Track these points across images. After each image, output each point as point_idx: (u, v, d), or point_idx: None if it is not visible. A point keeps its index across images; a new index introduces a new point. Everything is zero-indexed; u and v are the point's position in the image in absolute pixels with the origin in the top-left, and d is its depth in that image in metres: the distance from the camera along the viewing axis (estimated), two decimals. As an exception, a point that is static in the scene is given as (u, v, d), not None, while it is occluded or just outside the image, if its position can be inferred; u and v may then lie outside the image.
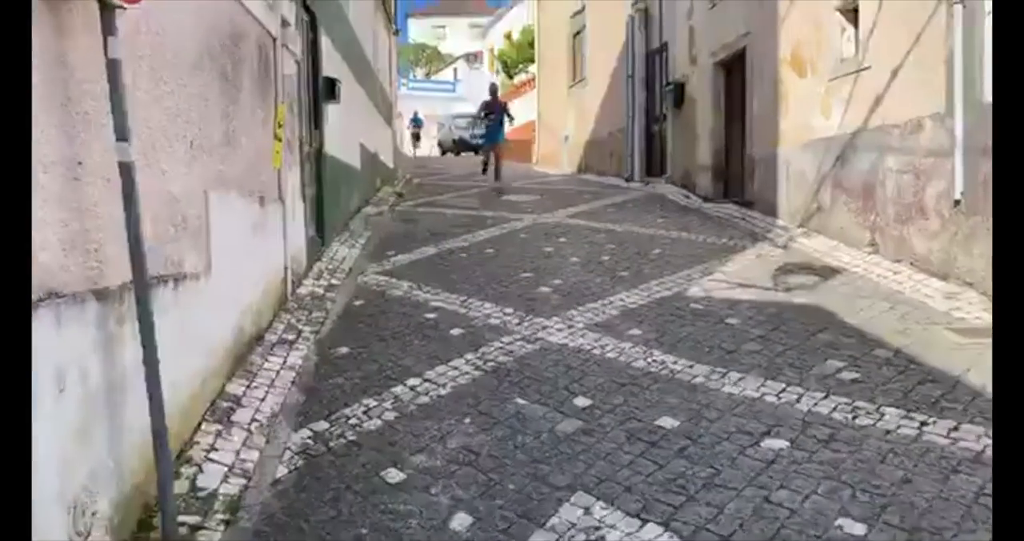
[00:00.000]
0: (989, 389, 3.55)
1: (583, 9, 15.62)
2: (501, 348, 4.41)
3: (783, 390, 3.69)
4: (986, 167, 4.91)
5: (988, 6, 4.86)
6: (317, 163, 6.87)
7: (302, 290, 5.52)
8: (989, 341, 4.20)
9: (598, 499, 2.77)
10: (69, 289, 2.24)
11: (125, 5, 2.37)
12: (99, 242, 2.46)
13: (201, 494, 2.86)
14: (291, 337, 4.57)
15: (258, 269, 4.65)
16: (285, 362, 4.18)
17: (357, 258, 6.77)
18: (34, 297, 2.01)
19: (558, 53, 17.44)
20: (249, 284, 4.41)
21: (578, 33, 16.17)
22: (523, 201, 10.33)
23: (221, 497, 2.87)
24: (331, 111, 7.38)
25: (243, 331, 4.20)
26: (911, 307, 5.02)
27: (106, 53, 2.36)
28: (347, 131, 8.57)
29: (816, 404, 3.52)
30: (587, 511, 2.71)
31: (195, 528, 2.68)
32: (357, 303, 5.46)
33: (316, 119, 6.91)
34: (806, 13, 7.38)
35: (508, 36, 28.73)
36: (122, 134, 2.40)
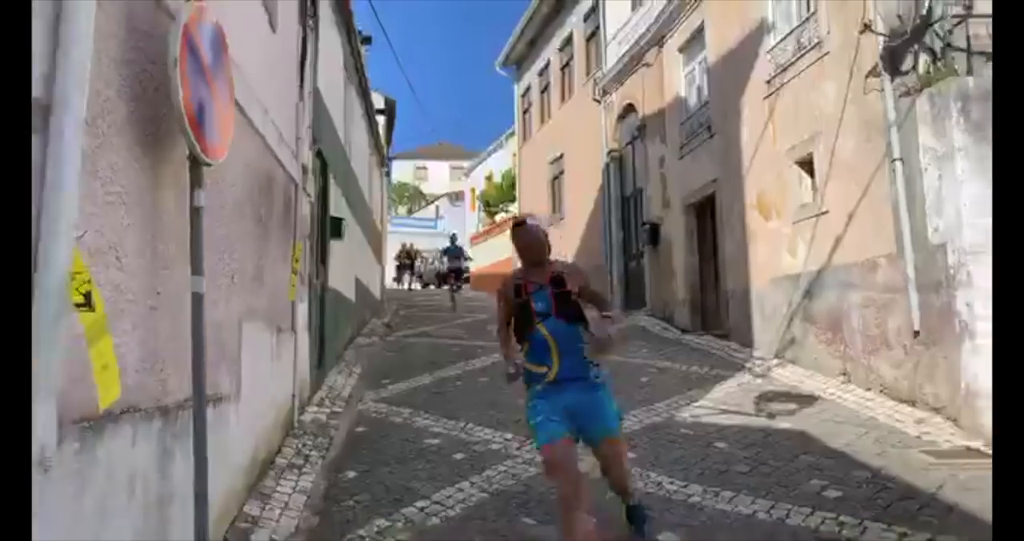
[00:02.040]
0: (962, 503, 3.82)
1: (561, 156, 16.97)
2: (504, 471, 4.60)
3: (772, 507, 3.92)
4: (939, 302, 5.47)
5: (924, 163, 5.66)
6: (322, 296, 7.27)
7: (306, 417, 5.69)
8: (959, 461, 4.54)
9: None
10: (143, 404, 2.52)
11: (212, 163, 2.85)
12: (164, 363, 2.77)
13: (226, 612, 2.95)
14: (300, 462, 4.72)
15: (272, 396, 4.88)
16: (296, 485, 4.31)
17: (355, 386, 6.99)
18: (118, 410, 2.29)
19: (538, 194, 18.65)
20: (265, 409, 4.63)
21: (556, 177, 17.44)
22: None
23: (245, 615, 2.96)
24: (335, 248, 7.91)
25: (258, 454, 4.36)
26: (885, 431, 5.34)
27: (191, 202, 2.80)
28: (346, 266, 9.09)
29: (805, 520, 3.74)
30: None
31: None
32: (359, 429, 5.64)
33: (323, 255, 7.40)
34: (768, 164, 8.29)
35: (489, 177, 30.52)
36: (198, 268, 2.79)
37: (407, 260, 24.68)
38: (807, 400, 6.37)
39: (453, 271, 16.13)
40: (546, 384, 3.12)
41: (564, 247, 16.52)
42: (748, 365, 7.90)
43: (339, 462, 4.86)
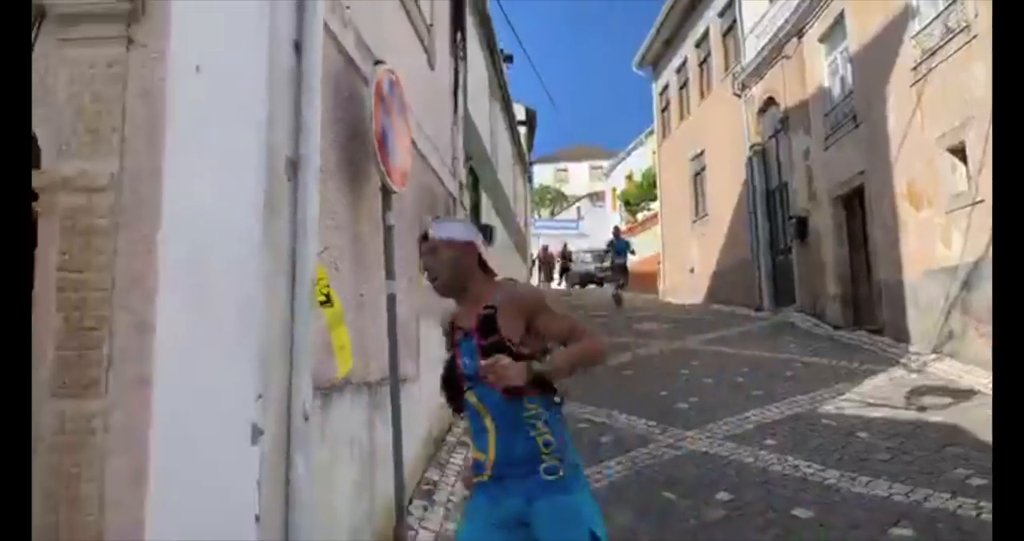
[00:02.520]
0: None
1: (702, 152, 16.90)
2: (647, 453, 5.03)
3: (911, 491, 4.06)
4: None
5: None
6: (477, 296, 8.05)
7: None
8: None
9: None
10: (355, 380, 3.26)
11: (398, 191, 3.58)
12: (367, 349, 3.51)
13: (418, 552, 3.65)
14: (467, 439, 5.43)
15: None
16: (467, 458, 5.01)
17: (509, 378, 7.67)
18: (342, 382, 3.02)
19: (680, 191, 18.65)
20: (437, 392, 5.38)
21: (698, 173, 17.37)
22: (654, 329, 11.01)
23: (433, 555, 3.64)
24: (487, 253, 8.67)
25: (432, 431, 5.12)
26: (1049, 425, 5.17)
27: (384, 222, 3.53)
28: (496, 268, 9.86)
29: (943, 504, 3.87)
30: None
31: (418, 576, 3.44)
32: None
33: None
34: (917, 152, 8.03)
35: (630, 176, 30.64)
36: (391, 274, 3.51)
37: (555, 261, 24.59)
38: (964, 394, 6.21)
39: (618, 268, 14.59)
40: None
41: (708, 245, 16.46)
42: (903, 360, 7.71)
43: (499, 442, 5.51)
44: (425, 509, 4.10)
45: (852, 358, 8.03)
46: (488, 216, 9.09)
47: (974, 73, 6.84)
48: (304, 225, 2.58)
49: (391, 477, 3.49)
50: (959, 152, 7.28)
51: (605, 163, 43.02)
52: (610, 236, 15.59)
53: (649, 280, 20.55)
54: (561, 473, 2.01)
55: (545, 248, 25.05)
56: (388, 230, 3.51)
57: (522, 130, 16.32)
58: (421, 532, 3.83)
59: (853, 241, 10.09)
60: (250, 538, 2.10)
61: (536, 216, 47.92)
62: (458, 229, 2.31)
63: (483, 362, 1.98)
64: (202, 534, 2.06)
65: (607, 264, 24.00)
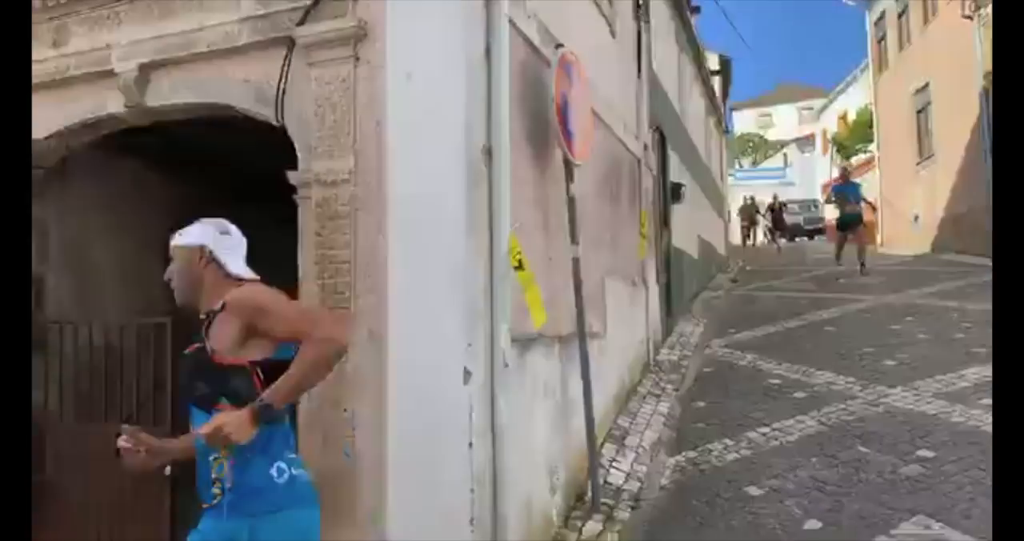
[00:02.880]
0: None
1: (927, 85, 15.09)
2: (843, 409, 4.97)
3: None
4: None
5: None
6: (667, 255, 8.19)
7: (660, 357, 6.70)
8: None
9: (938, 521, 3.29)
10: (547, 334, 3.70)
11: (580, 163, 3.91)
12: (557, 306, 3.92)
13: (611, 488, 4.06)
14: (657, 392, 5.73)
15: (631, 337, 5.97)
16: (655, 409, 5.32)
17: (702, 333, 7.79)
18: (534, 336, 3.46)
19: (901, 131, 16.84)
20: (626, 347, 5.73)
21: (922, 109, 15.55)
22: (866, 282, 10.33)
23: (625, 491, 4.04)
24: (676, 210, 8.73)
25: (623, 382, 5.48)
26: None
27: (567, 192, 3.89)
28: (687, 225, 9.86)
29: None
30: (928, 527, 3.25)
31: (611, 507, 3.86)
32: (707, 369, 6.44)
33: (665, 218, 8.29)
34: None
35: (843, 117, 27.98)
36: (575, 239, 3.88)
37: (756, 215, 21.97)
38: None
39: (851, 219, 10.97)
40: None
41: (936, 189, 14.81)
42: None
43: (691, 394, 5.74)
44: (616, 451, 4.50)
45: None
46: (678, 174, 9.08)
47: None
48: (499, 203, 3.02)
49: (583, 421, 3.91)
50: None
51: (815, 103, 39.53)
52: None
53: (866, 230, 18.91)
54: (215, 500, 1.86)
55: (751, 199, 22.88)
56: (571, 200, 3.86)
57: (717, 79, 15.71)
58: (612, 472, 4.24)
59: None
60: (465, 461, 2.62)
61: (737, 166, 45.59)
62: (192, 233, 2.11)
63: (202, 432, 1.81)
64: (428, 455, 2.63)
65: (816, 214, 22.27)
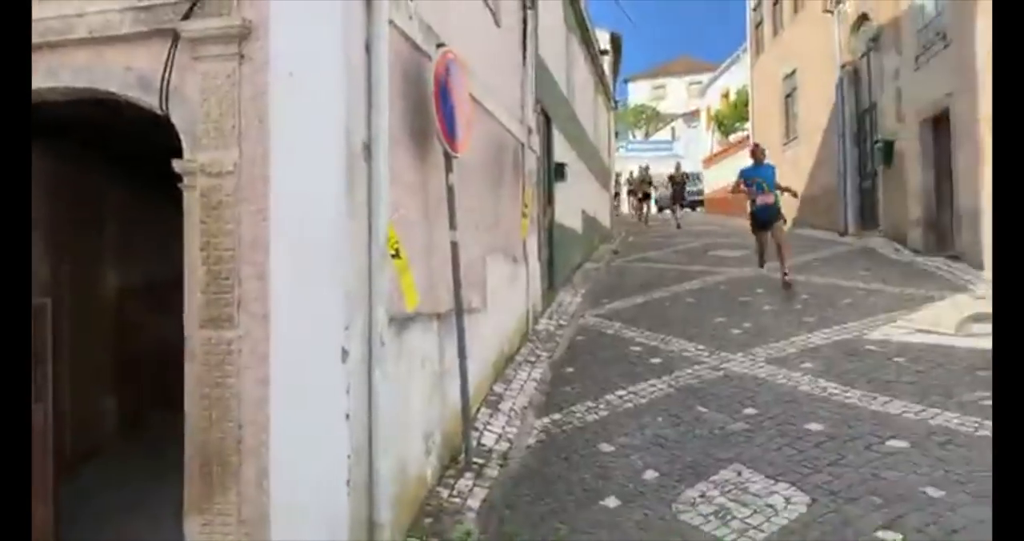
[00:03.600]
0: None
1: (794, 71, 16.31)
2: (691, 374, 5.66)
3: (922, 410, 4.51)
4: None
5: None
6: (549, 231, 8.70)
7: (539, 327, 7.23)
8: None
9: (749, 468, 3.95)
10: (426, 312, 4.05)
11: (457, 155, 4.23)
12: (437, 286, 4.28)
13: (483, 448, 4.51)
14: (532, 359, 6.25)
15: (511, 310, 6.43)
16: (530, 375, 5.83)
17: (579, 304, 8.39)
18: (412, 314, 3.80)
19: (771, 112, 18.15)
20: (506, 319, 6.19)
21: (790, 94, 16.83)
22: (730, 256, 11.31)
23: (495, 451, 4.50)
24: (560, 188, 9.23)
25: (502, 352, 5.94)
26: (1093, 353, 5.35)
27: (447, 182, 4.21)
28: (572, 202, 10.41)
29: (947, 421, 4.32)
30: (739, 474, 3.90)
31: (482, 466, 4.31)
32: (579, 338, 7.03)
33: (549, 196, 8.78)
34: (1002, 76, 7.76)
35: (726, 95, 29.56)
36: (453, 224, 4.23)
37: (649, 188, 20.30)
38: (1020, 322, 6.36)
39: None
40: None
41: (797, 168, 16.14)
42: (972, 287, 7.80)
43: (563, 361, 6.30)
44: (491, 415, 4.96)
45: (921, 285, 8.16)
46: (563, 153, 9.56)
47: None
48: (378, 194, 3.31)
49: (459, 389, 4.31)
50: (1042, 76, 7.03)
51: (705, 78, 41.32)
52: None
53: (737, 205, 20.35)
54: None
55: (645, 168, 20.64)
56: (450, 189, 4.19)
57: (608, 57, 16.29)
58: (486, 434, 4.70)
59: (938, 166, 9.88)
60: (342, 431, 2.95)
61: (631, 137, 47.08)
62: None
63: None
64: (307, 425, 2.94)
65: (698, 187, 22.84)
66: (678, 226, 17.26)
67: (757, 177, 8.71)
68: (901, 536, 3.13)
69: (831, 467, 3.85)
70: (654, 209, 22.96)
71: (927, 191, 10.16)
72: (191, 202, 3.29)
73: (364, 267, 3.22)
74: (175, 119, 3.34)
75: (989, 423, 4.23)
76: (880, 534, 3.17)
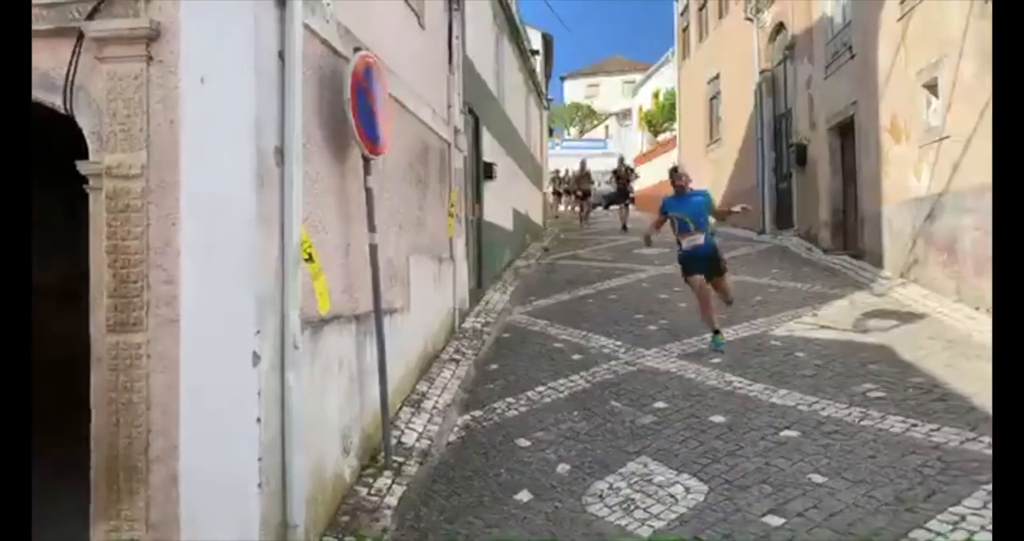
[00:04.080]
0: (986, 407, 4.48)
1: (718, 75, 16.91)
2: (608, 369, 5.88)
3: (815, 402, 4.84)
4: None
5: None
6: (478, 230, 8.81)
7: (466, 325, 7.33)
8: (1020, 373, 5.03)
9: (655, 460, 4.17)
10: (344, 313, 4.10)
11: (375, 158, 4.29)
12: (355, 289, 4.33)
13: (404, 447, 4.59)
14: (458, 357, 6.35)
15: (436, 309, 6.51)
16: (454, 373, 5.93)
17: (506, 302, 8.53)
18: (328, 317, 3.85)
19: (697, 115, 18.75)
20: (431, 318, 6.27)
21: (714, 97, 17.43)
22: (653, 254, 11.63)
23: (416, 449, 4.59)
24: (489, 187, 9.35)
25: (427, 350, 6.03)
26: (970, 347, 5.83)
27: (365, 184, 4.26)
28: (502, 200, 10.54)
29: (836, 412, 4.65)
30: (645, 466, 4.12)
31: (401, 464, 4.39)
32: (505, 335, 7.17)
33: (478, 195, 8.89)
34: (899, 86, 8.31)
35: (656, 95, 30.31)
36: (372, 227, 4.28)
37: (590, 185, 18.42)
38: (911, 318, 6.86)
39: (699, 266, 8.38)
40: None
41: (720, 169, 16.76)
42: (872, 285, 8.32)
43: (487, 358, 6.42)
44: (413, 414, 5.04)
45: (827, 282, 8.66)
46: (492, 152, 9.69)
47: (949, 13, 7.06)
48: (291, 199, 3.34)
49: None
50: (933, 88, 7.58)
51: (638, 77, 42.18)
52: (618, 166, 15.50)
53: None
54: None
55: (582, 162, 18.45)
56: (368, 192, 4.24)
57: (539, 57, 16.49)
58: (407, 432, 4.78)
59: (845, 170, 10.47)
60: (253, 434, 2.99)
61: (567, 134, 47.64)
62: None
63: None
64: (219, 428, 2.97)
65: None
66: (624, 228, 15.54)
67: (680, 212, 6.28)
68: (784, 520, 3.39)
69: (729, 457, 4.11)
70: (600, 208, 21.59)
71: (835, 193, 10.75)
72: (97, 205, 3.25)
73: (277, 271, 3.25)
74: (80, 120, 3.29)
75: (873, 412, 4.58)
76: (766, 519, 3.42)
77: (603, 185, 22.50)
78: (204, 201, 3.14)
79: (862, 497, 3.54)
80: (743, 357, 5.96)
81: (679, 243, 6.51)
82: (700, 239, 6.32)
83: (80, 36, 3.24)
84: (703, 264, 6.30)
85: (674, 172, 6.72)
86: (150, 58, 3.20)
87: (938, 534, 3.18)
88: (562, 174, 22.79)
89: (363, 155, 4.18)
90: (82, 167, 3.27)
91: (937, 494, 3.53)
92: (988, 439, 4.06)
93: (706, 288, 6.26)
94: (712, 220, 6.66)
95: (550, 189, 21.58)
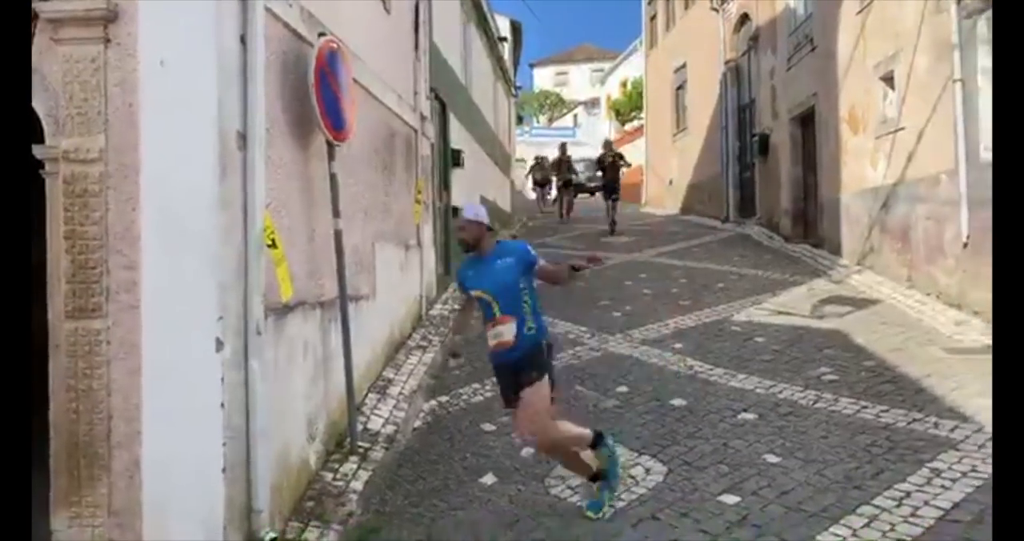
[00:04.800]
0: (934, 389, 4.68)
1: (684, 65, 17.06)
2: (573, 354, 5.97)
3: (772, 386, 4.99)
4: (985, 215, 5.93)
5: (980, 83, 5.96)
6: (445, 216, 8.80)
7: (433, 312, 7.36)
8: (966, 357, 5.26)
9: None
10: (309, 300, 4.10)
11: (339, 144, 4.27)
12: (320, 275, 4.32)
13: (370, 432, 4.62)
14: (424, 344, 6.38)
15: (403, 295, 6.52)
16: (420, 359, 5.96)
17: (474, 290, 8.56)
18: (293, 303, 3.85)
19: (664, 104, 18.92)
20: (398, 305, 6.28)
21: (680, 86, 17.60)
22: (620, 241, 11.81)
23: (382, 435, 4.62)
24: (457, 174, 9.34)
25: (393, 337, 6.04)
26: (920, 331, 6.05)
27: (329, 170, 4.25)
28: (470, 187, 10.55)
29: (792, 394, 4.80)
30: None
31: (367, 449, 4.42)
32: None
33: (445, 182, 8.88)
34: (858, 78, 8.51)
35: (624, 84, 30.46)
36: (336, 213, 4.27)
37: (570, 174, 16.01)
38: (865, 304, 7.08)
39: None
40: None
41: (686, 158, 16.96)
42: (830, 272, 8.55)
43: (453, 344, 6.45)
44: (379, 400, 5.07)
45: (787, 270, 8.87)
46: (459, 139, 9.67)
47: (905, 7, 7.24)
48: (253, 185, 3.32)
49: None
50: (890, 81, 7.78)
51: (606, 66, 42.30)
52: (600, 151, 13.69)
53: (633, 191, 21.13)
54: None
55: (562, 147, 16.32)
56: (332, 177, 4.23)
57: (507, 44, 16.44)
58: (373, 418, 4.80)
59: (805, 160, 10.69)
60: (216, 420, 2.99)
61: (536, 122, 47.62)
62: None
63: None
64: (181, 414, 2.96)
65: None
66: (612, 230, 12.71)
67: (480, 289, 3.79)
68: (739, 498, 3.51)
69: (688, 439, 4.23)
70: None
71: (795, 182, 10.98)
72: (54, 190, 3.19)
73: (239, 257, 3.24)
74: (36, 103, 3.21)
75: (827, 395, 4.74)
76: (722, 498, 3.54)
77: (587, 173, 19.15)
78: (165, 186, 3.11)
79: (813, 476, 3.68)
80: (704, 342, 6.10)
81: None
82: (509, 337, 3.68)
83: (35, 16, 3.17)
84: (516, 376, 3.65)
85: (466, 224, 3.76)
86: (107, 40, 3.14)
87: (883, 510, 3.32)
88: (533, 162, 19.02)
89: (327, 140, 4.16)
90: (38, 151, 3.20)
91: (884, 472, 3.68)
92: (934, 419, 4.24)
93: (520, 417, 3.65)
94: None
95: (529, 181, 18.80)
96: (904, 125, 7.41)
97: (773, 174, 11.79)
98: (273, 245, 3.42)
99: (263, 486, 3.25)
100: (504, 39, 15.39)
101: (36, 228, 3.27)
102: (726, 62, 13.98)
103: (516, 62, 19.90)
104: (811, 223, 10.60)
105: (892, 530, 3.15)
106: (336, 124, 4.18)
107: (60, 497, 3.10)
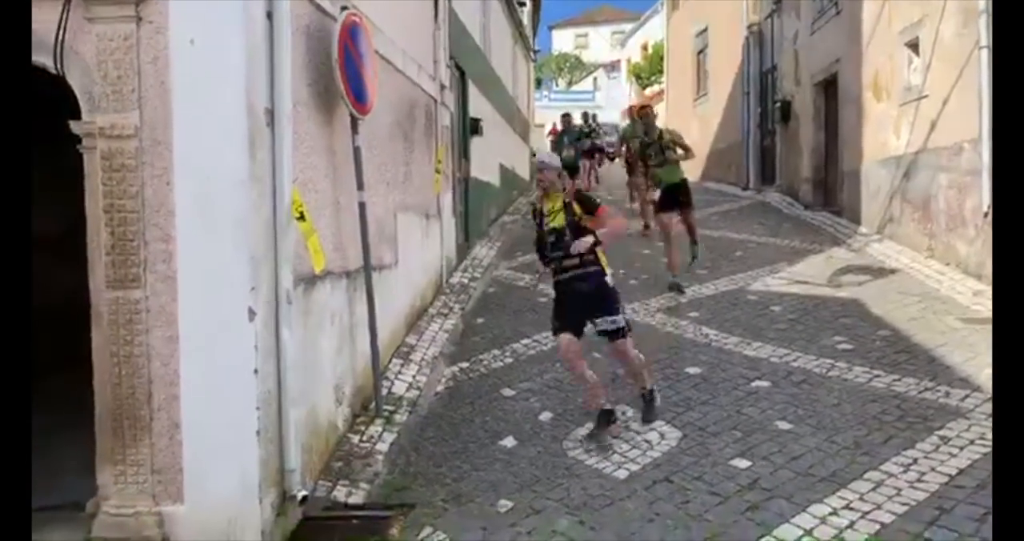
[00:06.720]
0: (947, 358, 4.74)
1: (706, 29, 16.75)
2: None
3: (787, 354, 5.08)
4: (1007, 185, 5.89)
5: (1007, 50, 5.86)
6: (465, 186, 8.87)
7: (453, 280, 7.49)
8: (982, 327, 5.29)
9: (633, 407, 4.40)
10: (335, 270, 4.23)
11: (363, 118, 4.35)
12: (346, 245, 4.44)
13: (394, 396, 4.80)
14: (445, 311, 6.53)
15: (425, 264, 6.65)
16: (442, 326, 6.12)
17: (493, 257, 8.69)
18: (320, 273, 3.98)
19: (685, 68, 18.63)
20: (419, 274, 6.41)
21: (702, 51, 17.31)
22: (635, 208, 11.77)
23: (405, 399, 4.79)
24: (476, 143, 9.37)
25: (415, 305, 6.19)
26: (938, 301, 6.08)
27: (353, 143, 4.34)
28: (488, 156, 10.57)
29: (806, 363, 4.90)
30: (624, 413, 4.35)
31: (392, 413, 4.60)
32: (491, 290, 7.35)
33: (465, 151, 8.92)
34: (882, 44, 8.36)
35: (645, 47, 29.93)
36: (360, 185, 4.38)
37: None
38: (883, 273, 7.10)
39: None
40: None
41: (706, 124, 16.77)
42: (849, 241, 8.54)
43: (474, 312, 6.61)
44: (402, 366, 5.23)
45: (805, 238, 8.86)
46: (479, 107, 9.67)
47: (933, -30, 7.07)
48: (281, 159, 3.43)
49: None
50: (915, 47, 7.64)
51: (627, 27, 41.47)
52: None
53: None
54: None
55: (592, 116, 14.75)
56: (356, 151, 4.33)
57: (527, 8, 16.21)
58: (397, 383, 4.98)
59: (827, 127, 10.57)
60: (250, 385, 3.15)
61: (555, 86, 47.02)
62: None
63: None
64: (217, 380, 3.13)
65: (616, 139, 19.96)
66: (646, 231, 9.46)
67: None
68: (750, 463, 3.64)
69: (702, 406, 4.35)
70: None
71: (817, 150, 10.87)
72: (92, 164, 3.31)
73: (269, 230, 3.36)
74: (71, 80, 3.32)
75: (841, 364, 4.83)
76: (734, 462, 3.67)
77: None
78: (197, 161, 3.23)
79: (824, 442, 3.79)
80: (720, 311, 6.18)
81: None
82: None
83: (67, -4, 3.25)
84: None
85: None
86: (139, 19, 3.22)
87: (890, 475, 3.43)
88: (550, 128, 17.05)
89: (351, 114, 4.24)
90: (75, 127, 3.32)
91: (893, 439, 3.79)
92: (945, 388, 4.32)
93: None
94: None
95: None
96: (928, 93, 7.31)
97: (794, 141, 11.67)
98: (301, 218, 3.54)
99: (295, 447, 3.43)
100: (523, 3, 15.20)
101: (76, 201, 3.42)
102: (749, 26, 13.72)
103: (535, 25, 19.64)
104: (831, 191, 10.52)
105: (898, 495, 3.27)
106: (359, 98, 4.26)
107: (105, 453, 3.30)
